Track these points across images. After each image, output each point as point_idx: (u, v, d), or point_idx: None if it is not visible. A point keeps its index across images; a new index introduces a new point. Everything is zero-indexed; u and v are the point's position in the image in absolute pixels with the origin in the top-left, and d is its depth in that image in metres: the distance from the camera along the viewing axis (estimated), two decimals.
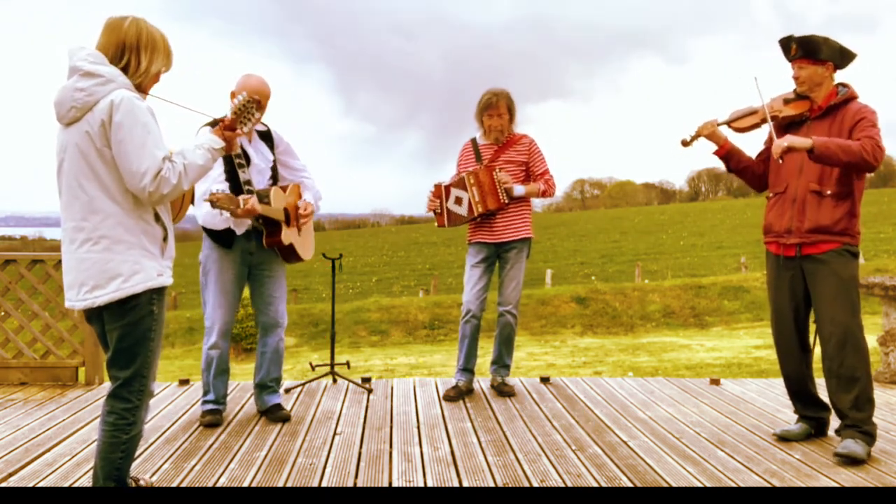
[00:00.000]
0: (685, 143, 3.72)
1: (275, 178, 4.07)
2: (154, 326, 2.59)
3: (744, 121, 3.67)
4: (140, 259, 2.52)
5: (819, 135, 3.39)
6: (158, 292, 2.59)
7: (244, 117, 2.79)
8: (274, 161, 4.06)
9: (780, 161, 3.55)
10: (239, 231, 3.90)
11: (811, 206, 3.45)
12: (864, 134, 3.32)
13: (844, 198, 3.42)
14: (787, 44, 3.53)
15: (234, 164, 3.86)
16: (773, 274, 3.65)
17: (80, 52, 2.52)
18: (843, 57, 3.49)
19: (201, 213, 3.81)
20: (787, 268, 3.56)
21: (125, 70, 2.55)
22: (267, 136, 4.08)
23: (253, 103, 2.80)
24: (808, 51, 3.46)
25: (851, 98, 3.48)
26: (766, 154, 3.74)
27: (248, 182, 3.88)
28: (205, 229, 3.93)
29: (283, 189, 4.03)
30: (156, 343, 2.63)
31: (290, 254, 4.06)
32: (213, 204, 3.44)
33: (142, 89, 2.59)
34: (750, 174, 3.76)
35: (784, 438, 3.67)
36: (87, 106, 2.46)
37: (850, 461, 3.28)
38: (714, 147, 3.74)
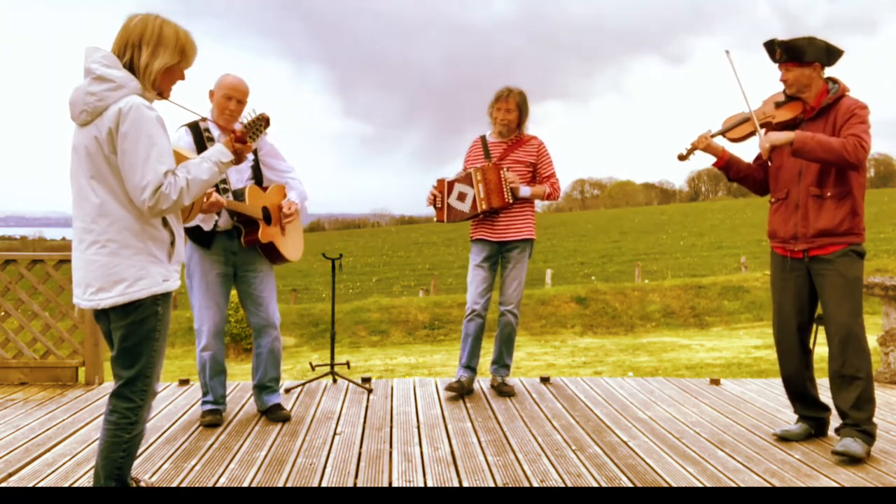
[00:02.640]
0: (681, 158, 3.72)
1: (256, 178, 4.06)
2: (158, 327, 2.59)
3: (738, 130, 3.66)
4: (146, 265, 2.52)
5: None
6: (164, 295, 2.59)
7: (254, 132, 2.80)
8: (254, 161, 4.06)
9: (770, 162, 3.54)
10: (206, 227, 3.89)
11: (813, 210, 3.45)
12: (850, 132, 3.31)
13: (845, 197, 3.42)
14: (771, 47, 3.51)
15: None
16: (779, 275, 3.65)
17: (94, 53, 2.50)
18: (829, 55, 3.47)
19: None
20: (794, 269, 3.56)
21: (129, 68, 2.52)
22: None
23: (263, 121, 2.82)
24: (792, 55, 3.44)
25: (843, 94, 3.47)
26: (761, 159, 3.74)
27: (225, 181, 3.89)
28: (186, 232, 3.92)
29: (264, 189, 4.04)
30: (160, 343, 2.63)
31: (273, 253, 4.04)
32: None
33: (158, 90, 2.56)
34: (751, 181, 3.76)
35: (784, 438, 3.67)
36: (97, 111, 2.46)
37: (849, 460, 3.29)
38: (712, 159, 3.74)
